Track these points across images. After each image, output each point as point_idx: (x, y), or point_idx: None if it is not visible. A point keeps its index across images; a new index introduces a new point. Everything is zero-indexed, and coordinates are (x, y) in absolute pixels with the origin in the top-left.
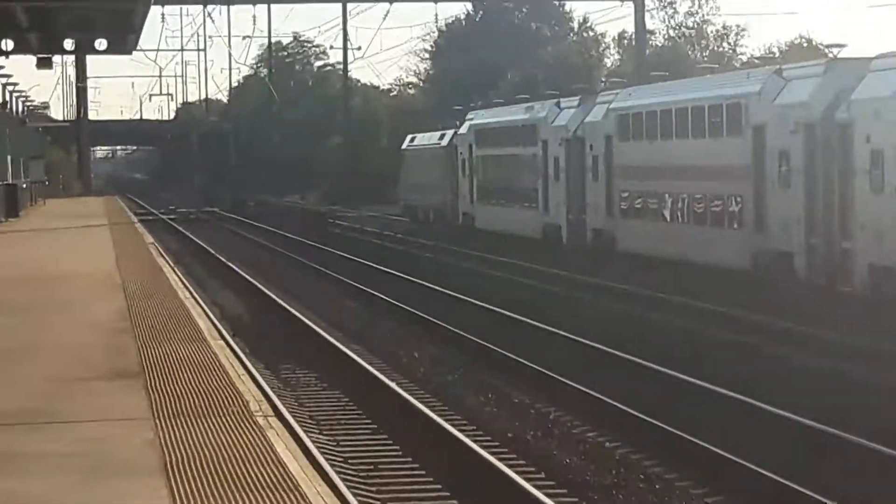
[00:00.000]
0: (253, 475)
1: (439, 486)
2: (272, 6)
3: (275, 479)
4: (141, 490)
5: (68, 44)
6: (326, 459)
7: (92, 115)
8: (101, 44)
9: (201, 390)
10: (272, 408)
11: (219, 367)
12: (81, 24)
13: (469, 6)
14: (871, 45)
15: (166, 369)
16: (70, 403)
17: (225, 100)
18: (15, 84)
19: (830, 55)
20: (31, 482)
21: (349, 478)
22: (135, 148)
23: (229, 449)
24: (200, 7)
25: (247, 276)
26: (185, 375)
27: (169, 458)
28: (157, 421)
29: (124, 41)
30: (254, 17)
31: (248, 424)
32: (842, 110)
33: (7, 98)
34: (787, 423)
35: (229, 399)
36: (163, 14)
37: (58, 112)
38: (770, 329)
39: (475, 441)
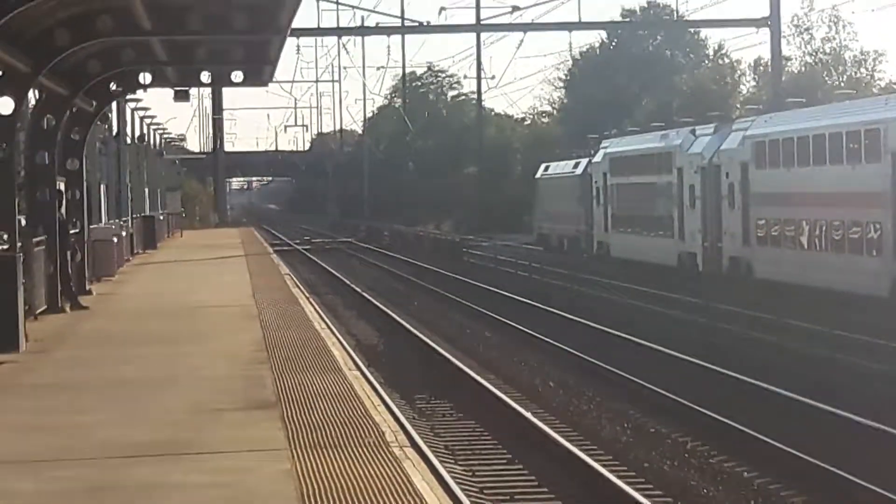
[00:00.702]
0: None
1: None
2: (406, 36)
3: None
4: None
5: (205, 76)
6: (463, 490)
7: (228, 147)
8: (237, 76)
9: (337, 421)
10: (408, 438)
11: (354, 397)
12: (218, 56)
13: (603, 34)
14: None
15: (302, 400)
16: (208, 434)
17: (359, 130)
18: (153, 117)
19: None
20: None
21: None
22: (270, 179)
23: (366, 480)
24: (335, 38)
25: (381, 306)
26: (321, 406)
27: (305, 489)
28: (294, 451)
29: (260, 73)
30: (388, 47)
31: (384, 455)
32: None
33: (145, 131)
34: None
35: (365, 430)
36: (298, 45)
37: (194, 144)
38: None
39: (611, 471)
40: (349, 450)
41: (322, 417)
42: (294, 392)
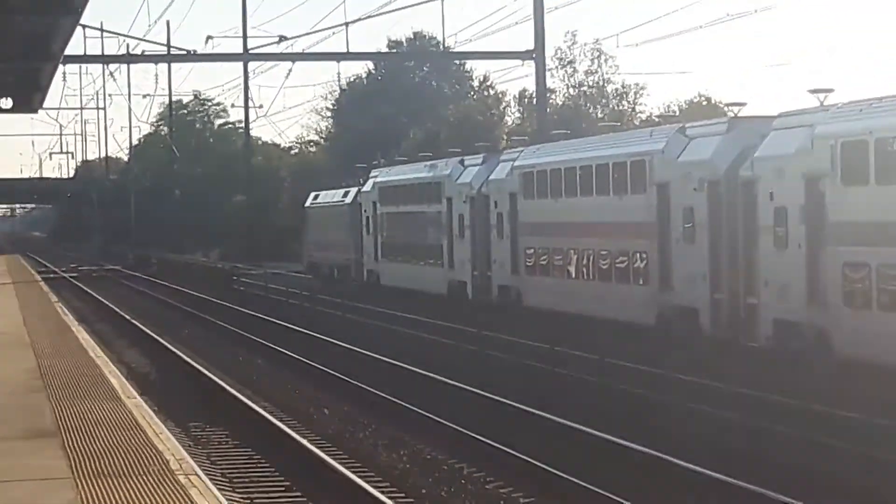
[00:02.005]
0: None
1: None
2: (174, 65)
3: None
4: None
5: None
6: None
7: None
8: (6, 102)
9: (120, 449)
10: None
11: (135, 425)
12: None
13: (370, 65)
14: (769, 104)
15: (83, 428)
16: None
17: (125, 158)
18: None
19: (731, 113)
20: None
21: None
22: (33, 206)
23: None
24: (100, 66)
25: (153, 335)
26: (103, 434)
27: None
28: (78, 480)
29: (30, 100)
30: (156, 75)
31: (170, 483)
32: (745, 167)
33: None
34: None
35: (149, 458)
36: (64, 73)
37: None
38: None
39: (384, 493)
40: (134, 478)
41: (104, 446)
42: (74, 420)
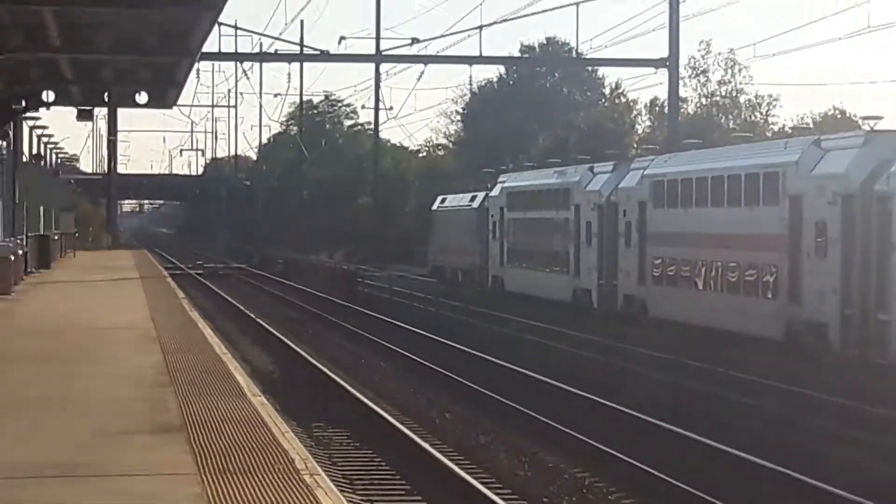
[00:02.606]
0: None
1: None
2: (305, 64)
3: None
4: None
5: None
6: None
7: (121, 169)
8: (141, 97)
9: (245, 446)
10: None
11: (261, 423)
12: (125, 77)
13: (502, 69)
14: None
15: (208, 424)
16: (114, 456)
17: (254, 156)
18: (49, 136)
19: (866, 127)
20: None
21: None
22: (162, 203)
23: None
24: (233, 63)
25: (276, 333)
26: (228, 431)
27: None
28: (203, 476)
29: (165, 95)
30: (288, 74)
31: (295, 482)
32: (881, 182)
33: (41, 149)
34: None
35: (274, 456)
36: (197, 69)
37: (87, 165)
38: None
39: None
40: (260, 476)
41: (230, 442)
42: (199, 416)
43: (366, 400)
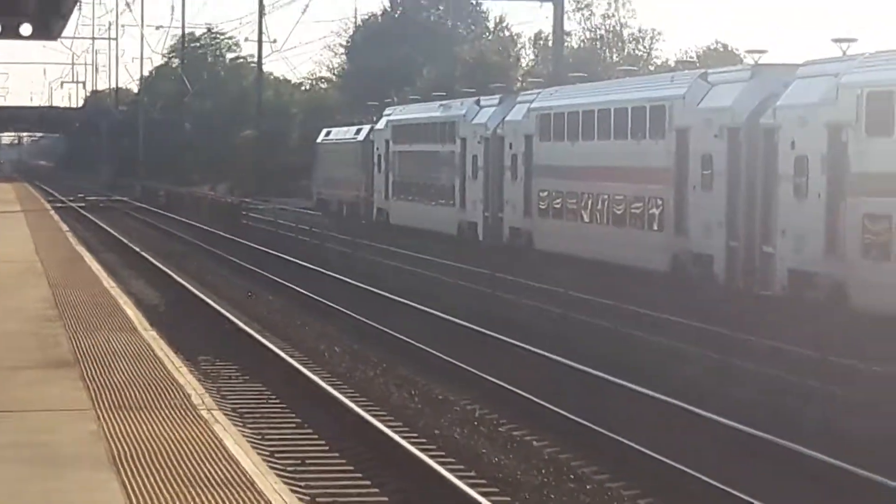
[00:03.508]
0: (204, 469)
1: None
2: None
3: (227, 475)
4: (91, 483)
5: None
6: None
7: (0, 101)
8: (25, 29)
9: (140, 382)
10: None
11: (154, 358)
12: (7, 7)
13: (387, 2)
14: (786, 54)
15: (101, 359)
16: (6, 392)
17: (136, 89)
18: None
19: (750, 61)
20: None
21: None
22: (41, 135)
23: (178, 442)
24: None
25: (162, 267)
26: (121, 366)
27: (116, 451)
28: (99, 412)
29: (50, 27)
30: (172, 6)
31: (192, 418)
32: (767, 116)
33: None
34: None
35: (170, 391)
36: (79, 1)
37: None
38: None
39: (398, 434)
40: (157, 411)
41: (124, 378)
42: (91, 351)
43: (253, 333)
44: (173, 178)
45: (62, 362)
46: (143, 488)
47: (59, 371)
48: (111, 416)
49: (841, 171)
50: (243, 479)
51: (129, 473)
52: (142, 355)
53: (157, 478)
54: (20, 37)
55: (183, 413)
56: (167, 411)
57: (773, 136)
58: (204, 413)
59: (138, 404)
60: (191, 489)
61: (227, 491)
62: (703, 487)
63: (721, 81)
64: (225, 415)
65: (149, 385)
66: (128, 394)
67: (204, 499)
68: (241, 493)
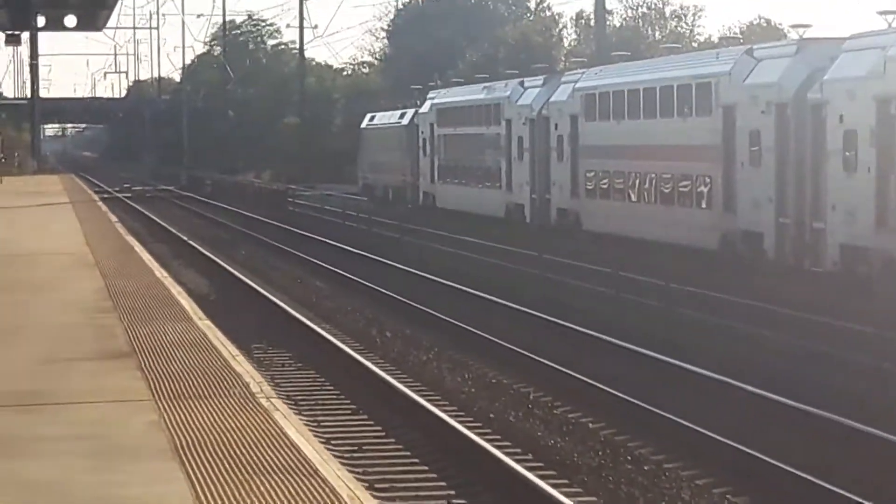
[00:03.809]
0: (267, 458)
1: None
2: None
3: (290, 463)
4: (155, 473)
5: (40, 21)
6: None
7: (44, 93)
8: (70, 20)
9: (198, 371)
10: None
11: (211, 347)
12: (55, 0)
13: None
14: (832, 28)
15: (157, 349)
16: (66, 384)
17: (178, 78)
18: None
19: (795, 35)
20: (39, 466)
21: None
22: (84, 126)
23: (239, 432)
24: None
25: (211, 255)
26: (178, 355)
27: (178, 441)
28: (158, 402)
29: (96, 17)
30: None
31: (252, 407)
32: (814, 90)
33: None
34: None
35: (228, 381)
36: None
37: (8, 90)
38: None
39: (455, 419)
40: (216, 401)
41: (181, 367)
42: (147, 341)
43: (305, 320)
44: (218, 166)
45: (119, 353)
46: (208, 478)
47: (116, 362)
48: (171, 406)
49: (890, 144)
50: (307, 466)
51: (193, 463)
52: (198, 344)
53: (221, 467)
54: (65, 28)
55: (242, 402)
56: (226, 400)
57: (821, 111)
58: (263, 401)
59: (197, 394)
60: (255, 477)
61: (291, 478)
62: (760, 466)
63: (767, 57)
64: (284, 403)
65: (207, 374)
66: (186, 383)
67: (269, 487)
68: (306, 480)
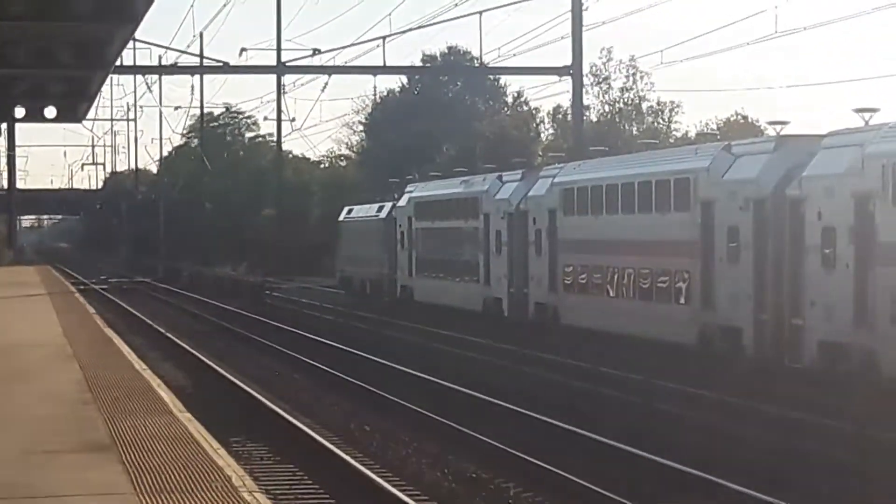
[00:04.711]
0: None
1: None
2: (209, 77)
3: None
4: None
5: (19, 112)
6: None
7: (20, 184)
8: (50, 112)
9: (179, 464)
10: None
11: (192, 440)
12: (35, 91)
13: (404, 79)
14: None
15: (138, 442)
16: (46, 476)
17: (155, 170)
18: None
19: (773, 132)
20: None
21: None
22: (60, 217)
23: None
24: (132, 77)
25: (188, 348)
26: (159, 448)
27: None
28: (140, 496)
29: (75, 109)
30: (191, 86)
31: (234, 500)
32: (793, 187)
33: None
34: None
35: (210, 474)
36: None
37: None
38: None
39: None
40: (199, 494)
41: (163, 461)
42: (129, 434)
43: (283, 413)
44: (195, 257)
45: (100, 446)
46: None
47: (97, 455)
48: (153, 500)
49: (868, 241)
50: None
51: None
52: (179, 437)
53: None
54: (44, 120)
55: (225, 496)
56: (209, 493)
57: (800, 207)
58: (246, 495)
59: (180, 487)
60: None
61: None
62: None
63: (745, 153)
64: (268, 497)
65: (188, 467)
66: (168, 477)
67: None
68: None
